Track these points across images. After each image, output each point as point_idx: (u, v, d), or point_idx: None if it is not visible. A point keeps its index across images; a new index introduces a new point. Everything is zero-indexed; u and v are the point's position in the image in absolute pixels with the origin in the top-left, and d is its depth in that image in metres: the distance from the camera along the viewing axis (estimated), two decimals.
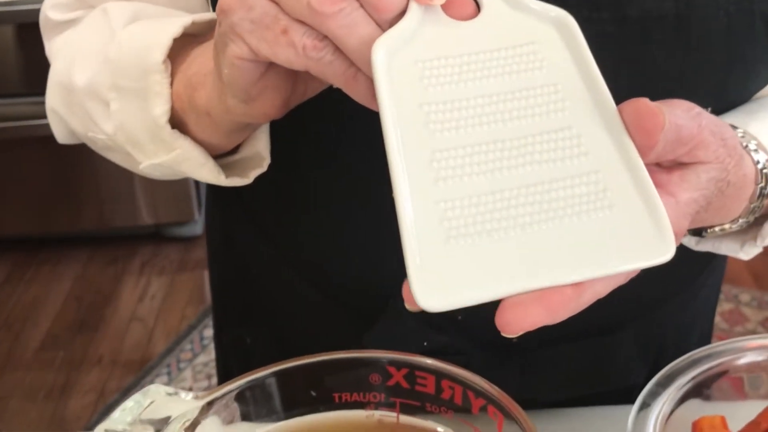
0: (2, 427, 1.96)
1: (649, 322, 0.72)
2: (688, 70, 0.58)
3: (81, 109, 0.64)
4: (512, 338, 0.65)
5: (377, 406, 0.50)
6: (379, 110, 0.42)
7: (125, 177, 2.43)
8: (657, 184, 0.42)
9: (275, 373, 0.48)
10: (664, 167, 0.46)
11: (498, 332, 0.50)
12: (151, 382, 2.06)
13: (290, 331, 0.76)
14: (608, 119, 0.43)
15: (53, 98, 0.68)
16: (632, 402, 0.50)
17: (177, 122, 0.58)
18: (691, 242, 0.61)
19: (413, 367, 0.48)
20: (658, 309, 0.72)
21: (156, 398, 0.45)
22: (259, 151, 0.60)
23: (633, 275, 0.42)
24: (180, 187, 2.47)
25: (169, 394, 0.45)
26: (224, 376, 0.87)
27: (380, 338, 0.67)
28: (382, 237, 0.65)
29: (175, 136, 0.57)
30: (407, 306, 0.40)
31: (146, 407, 0.44)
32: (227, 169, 0.61)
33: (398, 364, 0.48)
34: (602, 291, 0.41)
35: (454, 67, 0.43)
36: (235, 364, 0.84)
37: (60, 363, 2.16)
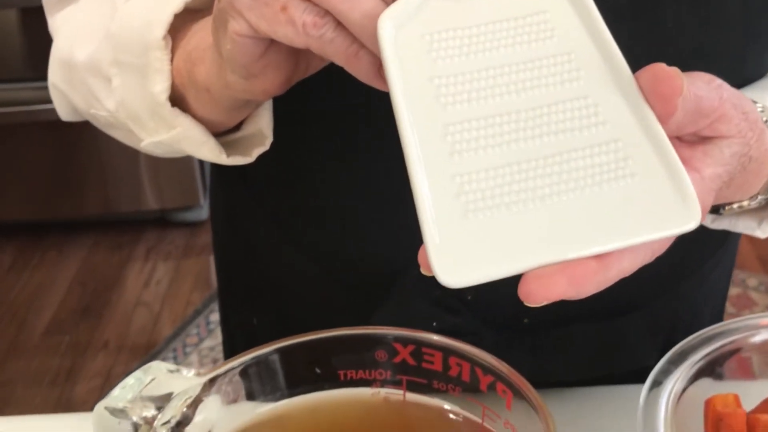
0: (8, 412, 1.96)
1: (661, 304, 0.71)
2: (703, 45, 0.57)
3: (83, 86, 0.64)
4: (524, 319, 0.64)
5: (383, 383, 0.49)
6: (388, 85, 0.41)
7: (130, 162, 2.43)
8: (680, 160, 0.41)
9: (279, 350, 0.47)
10: (687, 142, 0.44)
11: (508, 313, 0.49)
12: None
13: (296, 312, 0.75)
14: (625, 87, 0.42)
15: (55, 75, 0.67)
16: (643, 383, 0.49)
17: (178, 98, 0.57)
18: (707, 220, 0.60)
19: (420, 344, 0.47)
20: (670, 290, 0.71)
21: (157, 375, 0.44)
22: (262, 129, 0.59)
23: (659, 252, 0.41)
24: (185, 172, 2.46)
25: (171, 371, 0.45)
26: None
27: (389, 319, 0.66)
28: (390, 218, 0.64)
29: (175, 113, 0.57)
30: (422, 271, 0.39)
31: (147, 384, 0.44)
32: (230, 148, 0.60)
33: (404, 341, 0.47)
34: (628, 268, 0.40)
35: (462, 39, 0.43)
36: (242, 346, 0.83)
37: (65, 348, 2.16)
